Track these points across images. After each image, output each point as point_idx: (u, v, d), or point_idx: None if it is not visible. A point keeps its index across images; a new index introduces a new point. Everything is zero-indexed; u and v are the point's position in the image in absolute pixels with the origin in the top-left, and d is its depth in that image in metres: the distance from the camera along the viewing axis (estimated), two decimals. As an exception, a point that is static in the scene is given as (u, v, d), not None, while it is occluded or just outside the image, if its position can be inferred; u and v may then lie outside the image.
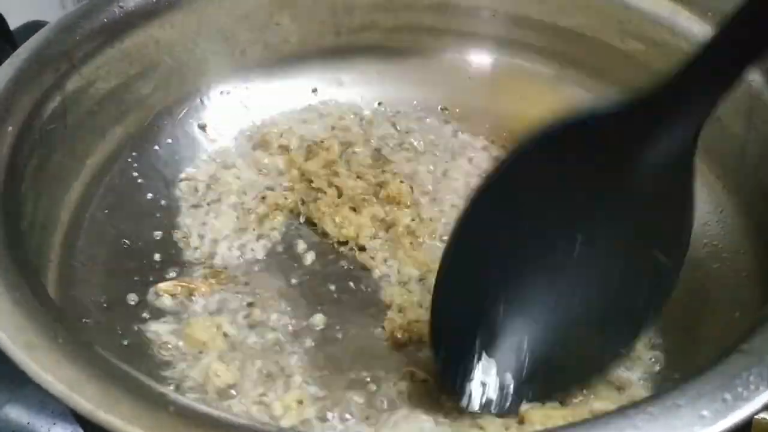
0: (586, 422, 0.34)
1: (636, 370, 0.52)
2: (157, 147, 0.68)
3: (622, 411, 0.34)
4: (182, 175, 0.68)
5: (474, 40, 0.76)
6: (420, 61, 0.77)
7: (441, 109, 0.76)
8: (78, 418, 0.48)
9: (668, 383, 0.48)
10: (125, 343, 0.54)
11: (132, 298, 0.58)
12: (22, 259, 0.44)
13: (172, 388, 0.50)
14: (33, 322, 0.39)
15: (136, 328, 0.55)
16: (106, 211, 0.62)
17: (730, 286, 0.57)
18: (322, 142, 0.70)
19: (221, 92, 0.73)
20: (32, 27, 0.90)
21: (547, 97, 0.74)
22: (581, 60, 0.73)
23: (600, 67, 0.72)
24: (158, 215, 0.65)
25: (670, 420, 0.34)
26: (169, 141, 0.69)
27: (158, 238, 0.63)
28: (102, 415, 0.35)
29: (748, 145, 0.60)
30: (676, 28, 0.65)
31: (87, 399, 0.35)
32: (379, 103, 0.76)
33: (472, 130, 0.74)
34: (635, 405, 0.35)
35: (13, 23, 0.85)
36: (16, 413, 0.60)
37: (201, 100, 0.72)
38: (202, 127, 0.72)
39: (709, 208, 0.62)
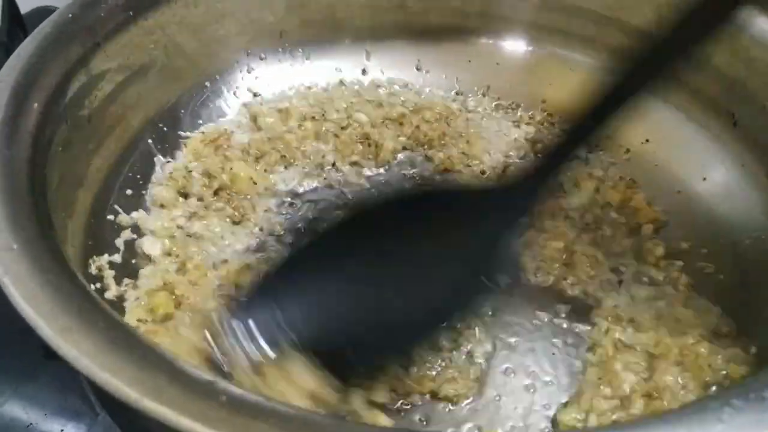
0: (671, 414, 0.32)
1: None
2: (180, 132, 0.66)
3: (704, 403, 0.32)
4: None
5: (509, 25, 0.74)
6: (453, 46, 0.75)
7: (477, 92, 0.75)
8: (112, 410, 0.45)
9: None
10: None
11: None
12: (51, 241, 0.42)
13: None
14: (69, 305, 0.36)
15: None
16: (124, 197, 0.60)
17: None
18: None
19: (242, 77, 0.71)
20: (43, 12, 0.88)
21: (578, 83, 0.72)
22: (615, 46, 0.71)
23: (633, 54, 0.70)
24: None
25: (757, 414, 0.32)
26: (189, 125, 0.67)
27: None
28: (148, 403, 0.33)
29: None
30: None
31: (131, 386, 0.33)
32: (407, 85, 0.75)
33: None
34: (718, 396, 0.33)
35: (24, 7, 0.82)
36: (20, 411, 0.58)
37: (222, 85, 0.70)
38: (223, 112, 0.70)
39: (750, 198, 0.61)
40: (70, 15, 0.56)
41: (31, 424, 0.56)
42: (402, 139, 0.69)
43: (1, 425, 0.56)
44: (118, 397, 0.33)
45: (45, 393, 0.57)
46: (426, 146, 0.69)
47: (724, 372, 0.48)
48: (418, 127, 0.69)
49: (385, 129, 0.69)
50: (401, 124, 0.70)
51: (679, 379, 0.48)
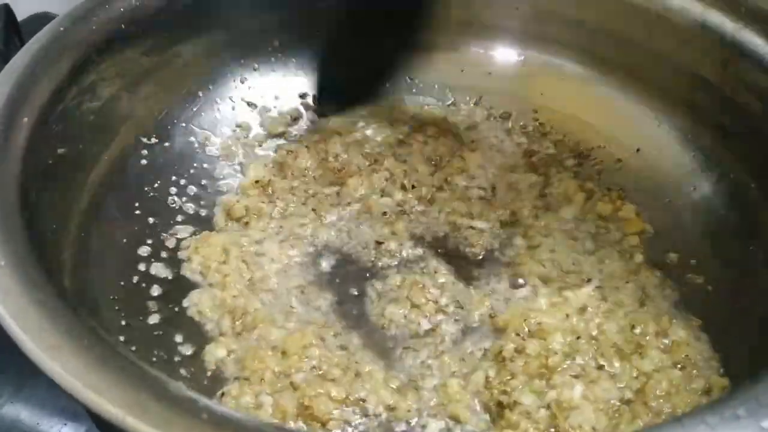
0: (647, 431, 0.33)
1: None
2: (167, 144, 0.67)
3: (678, 421, 0.33)
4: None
5: (500, 34, 0.75)
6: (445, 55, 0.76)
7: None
8: (102, 426, 0.46)
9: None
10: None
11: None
12: (41, 257, 0.43)
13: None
14: (57, 324, 0.37)
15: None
16: (118, 209, 0.60)
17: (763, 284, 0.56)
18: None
19: (236, 86, 0.72)
20: (40, 18, 0.89)
21: (570, 92, 0.73)
22: (607, 57, 0.71)
23: (624, 63, 0.70)
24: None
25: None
26: (181, 137, 0.68)
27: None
28: (130, 420, 0.33)
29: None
30: (707, 25, 0.63)
31: (114, 404, 0.34)
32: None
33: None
34: (692, 414, 0.33)
35: (21, 14, 0.83)
36: (20, 412, 0.58)
37: (215, 96, 0.71)
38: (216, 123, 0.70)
39: (738, 208, 0.62)
40: (62, 28, 0.56)
41: (31, 424, 0.57)
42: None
43: (2, 427, 0.56)
44: (100, 414, 0.33)
45: (45, 393, 0.58)
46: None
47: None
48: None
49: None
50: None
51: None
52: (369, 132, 0.72)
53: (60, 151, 0.54)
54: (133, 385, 0.35)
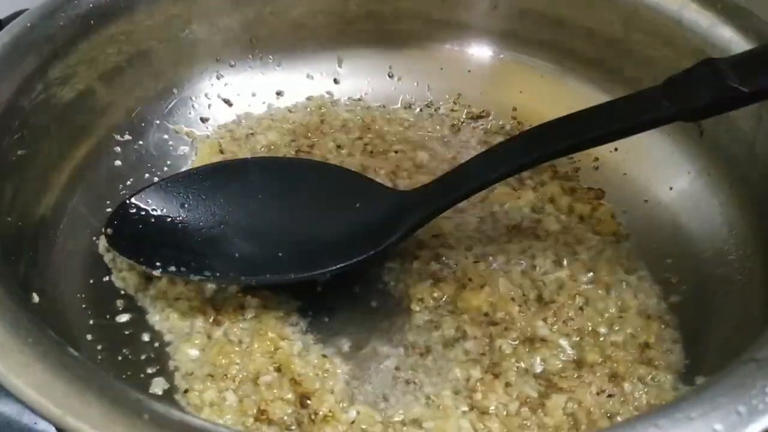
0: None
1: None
2: (141, 142, 0.66)
3: (629, 423, 0.32)
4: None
5: (474, 32, 0.74)
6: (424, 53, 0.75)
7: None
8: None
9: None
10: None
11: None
12: (5, 253, 0.42)
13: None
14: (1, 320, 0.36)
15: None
16: (87, 206, 0.60)
17: (736, 287, 0.55)
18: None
19: (212, 84, 0.71)
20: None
21: (548, 90, 0.72)
22: (584, 53, 0.70)
23: (603, 61, 0.70)
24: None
25: (681, 435, 0.32)
26: (156, 134, 0.67)
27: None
28: (71, 420, 0.33)
29: (756, 144, 0.58)
30: (684, 21, 0.63)
31: (55, 403, 0.33)
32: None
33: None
34: (645, 417, 0.32)
35: (2, 11, 0.82)
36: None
37: (190, 93, 0.70)
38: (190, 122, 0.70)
39: (714, 208, 0.61)
40: (29, 24, 0.56)
41: (29, 423, 0.58)
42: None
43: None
44: (40, 414, 0.33)
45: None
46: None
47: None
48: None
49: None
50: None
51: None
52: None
53: (26, 147, 0.53)
54: (77, 384, 0.34)
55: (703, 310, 0.55)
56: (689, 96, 0.46)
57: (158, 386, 0.51)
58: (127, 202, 0.57)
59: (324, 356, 0.53)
